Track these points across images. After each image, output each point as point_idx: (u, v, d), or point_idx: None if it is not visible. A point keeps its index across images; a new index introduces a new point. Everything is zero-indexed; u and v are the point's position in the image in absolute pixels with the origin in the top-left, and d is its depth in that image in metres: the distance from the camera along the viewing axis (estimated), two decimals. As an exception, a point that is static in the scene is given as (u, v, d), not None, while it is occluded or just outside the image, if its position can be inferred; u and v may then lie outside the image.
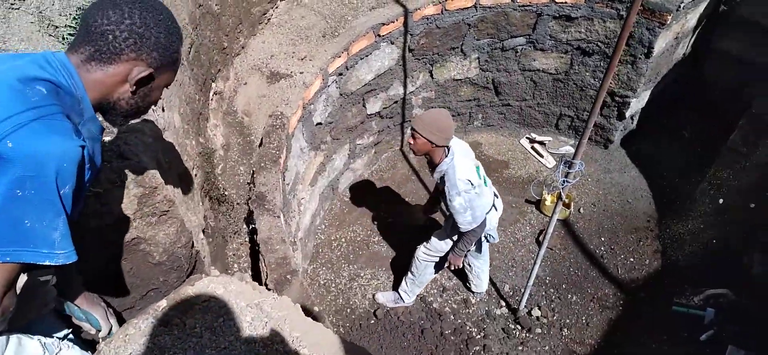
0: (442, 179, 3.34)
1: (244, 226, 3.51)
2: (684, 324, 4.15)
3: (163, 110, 2.35)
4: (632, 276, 4.52)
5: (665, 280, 4.45)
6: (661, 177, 5.15)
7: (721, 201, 4.51)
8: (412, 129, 3.22)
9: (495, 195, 3.74)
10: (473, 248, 3.85)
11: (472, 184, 3.25)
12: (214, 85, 3.56)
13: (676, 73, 5.19)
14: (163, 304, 1.40)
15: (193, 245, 2.21)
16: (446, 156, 3.28)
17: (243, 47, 3.91)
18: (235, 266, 3.35)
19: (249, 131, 3.71)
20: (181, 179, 2.41)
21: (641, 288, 4.44)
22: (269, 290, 2.89)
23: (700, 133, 5.28)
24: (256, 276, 3.26)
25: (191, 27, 3.01)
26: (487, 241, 3.87)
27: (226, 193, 3.35)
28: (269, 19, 4.13)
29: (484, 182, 3.55)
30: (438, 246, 3.87)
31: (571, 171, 3.05)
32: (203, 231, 2.91)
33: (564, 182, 3.12)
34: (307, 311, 2.66)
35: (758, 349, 3.79)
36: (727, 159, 4.36)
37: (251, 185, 3.35)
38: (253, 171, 3.32)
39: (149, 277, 1.98)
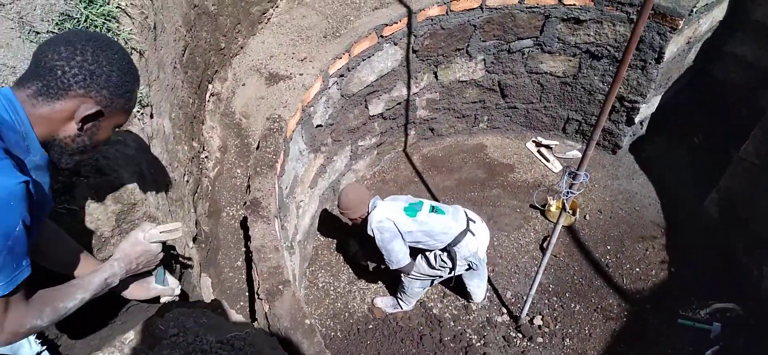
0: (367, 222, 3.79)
1: (241, 230, 3.46)
2: (689, 338, 4.05)
3: (151, 117, 2.29)
4: (638, 287, 4.41)
5: (671, 291, 4.34)
6: (671, 185, 5.02)
7: (731, 212, 4.39)
8: (348, 218, 3.88)
9: (471, 220, 3.80)
10: (463, 268, 3.91)
11: (394, 223, 3.62)
12: (210, 86, 3.50)
13: (688, 78, 5.05)
14: (130, 336, 1.34)
15: (178, 259, 2.15)
16: (368, 213, 3.78)
17: (241, 47, 3.84)
18: (230, 271, 3.30)
19: (247, 133, 3.65)
20: (169, 188, 2.35)
21: (647, 299, 4.33)
22: (260, 299, 2.85)
23: (711, 140, 5.13)
24: (250, 282, 3.22)
25: (185, 29, 2.95)
26: (471, 267, 3.89)
27: (220, 197, 3.30)
28: (269, 18, 4.05)
29: (437, 211, 3.74)
30: (420, 269, 3.90)
31: (575, 182, 2.97)
32: (194, 238, 2.85)
33: (568, 193, 3.04)
34: (298, 323, 2.61)
35: (765, 366, 3.70)
36: (739, 169, 4.23)
37: (248, 190, 3.29)
38: (250, 176, 3.26)
39: (130, 293, 1.92)
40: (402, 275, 3.98)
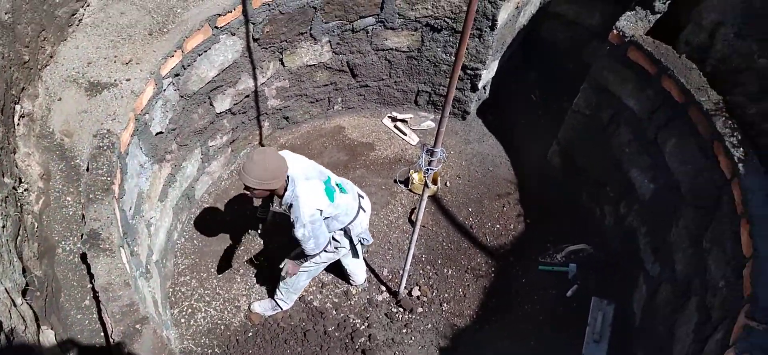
0: (289, 207, 3.23)
1: (83, 265, 3.02)
2: (551, 282, 4.38)
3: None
4: (500, 242, 4.68)
5: (530, 241, 4.66)
6: (517, 142, 5.36)
7: (571, 160, 4.79)
8: (246, 187, 3.09)
9: (360, 196, 3.70)
10: (348, 252, 3.81)
11: (320, 212, 3.21)
12: (18, 107, 2.97)
13: (520, 41, 5.40)
14: None
15: (1, 328, 1.77)
16: (288, 187, 3.17)
17: (51, 57, 3.30)
18: (77, 313, 2.86)
19: (72, 154, 3.16)
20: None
21: (510, 252, 4.61)
22: (115, 342, 2.51)
23: (547, 96, 5.56)
24: (103, 323, 2.83)
25: (-29, 45, 2.43)
26: (362, 244, 3.83)
27: (51, 232, 2.83)
28: (80, 19, 3.52)
29: (341, 189, 3.48)
30: (319, 257, 3.69)
31: (433, 159, 3.01)
32: (24, 291, 2.41)
33: (427, 170, 3.08)
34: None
35: (618, 296, 4.11)
36: (573, 121, 4.62)
37: (83, 220, 2.86)
38: (83, 204, 2.84)
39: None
40: (287, 272, 3.68)
